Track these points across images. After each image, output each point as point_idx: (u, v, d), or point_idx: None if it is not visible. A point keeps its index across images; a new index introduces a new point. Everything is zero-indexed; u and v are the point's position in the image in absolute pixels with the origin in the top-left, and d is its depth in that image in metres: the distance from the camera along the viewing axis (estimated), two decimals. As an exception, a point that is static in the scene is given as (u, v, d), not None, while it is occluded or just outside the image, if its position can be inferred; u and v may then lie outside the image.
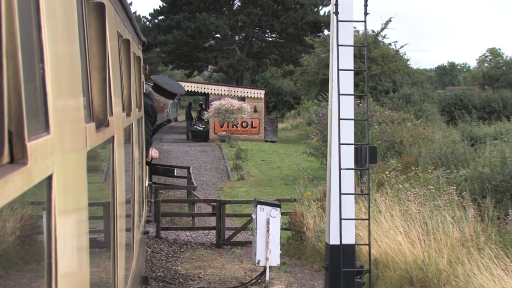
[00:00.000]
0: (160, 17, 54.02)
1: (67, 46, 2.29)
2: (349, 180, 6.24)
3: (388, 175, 16.19)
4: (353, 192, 6.25)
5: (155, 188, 17.66)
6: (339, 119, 5.98)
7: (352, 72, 6.54)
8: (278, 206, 11.58)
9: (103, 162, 3.70)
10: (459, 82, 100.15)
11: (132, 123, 5.64)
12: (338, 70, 6.10)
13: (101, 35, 3.18)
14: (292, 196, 15.18)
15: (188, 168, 22.00)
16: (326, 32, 53.78)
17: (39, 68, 1.81)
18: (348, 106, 6.34)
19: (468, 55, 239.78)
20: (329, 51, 26.82)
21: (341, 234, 6.08)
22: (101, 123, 3.21)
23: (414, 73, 41.93)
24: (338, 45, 6.07)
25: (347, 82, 6.44)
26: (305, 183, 15.45)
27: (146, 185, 8.81)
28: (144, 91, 8.29)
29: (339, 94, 6.10)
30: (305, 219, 14.18)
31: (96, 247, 3.29)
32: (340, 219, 6.05)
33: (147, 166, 8.71)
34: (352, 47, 6.37)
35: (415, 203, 12.48)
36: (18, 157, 1.56)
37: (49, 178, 1.82)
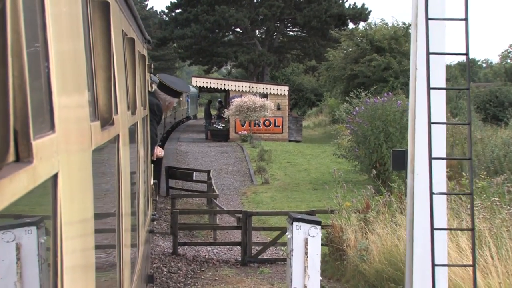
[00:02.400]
0: (178, 10, 52.25)
1: (72, 44, 2.32)
2: (440, 209, 4.45)
3: (436, 182, 14.36)
4: (446, 226, 4.46)
5: (171, 196, 15.98)
6: (430, 123, 4.18)
7: (444, 57, 4.72)
8: (318, 223, 9.81)
9: (108, 161, 3.72)
10: (479, 78, 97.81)
11: (137, 122, 5.67)
12: (428, 54, 4.30)
13: (106, 33, 3.19)
14: (329, 207, 13.41)
15: (208, 172, 20.31)
16: (351, 25, 51.89)
17: (44, 66, 1.83)
18: (439, 106, 4.56)
19: (490, 51, 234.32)
20: (356, 45, 24.96)
21: (434, 285, 4.31)
22: (106, 121, 3.21)
23: (448, 67, 39.86)
24: (428, 19, 4.27)
25: (438, 71, 4.66)
26: (343, 192, 13.64)
27: (151, 183, 8.79)
28: (150, 90, 8.39)
29: (429, 88, 4.30)
30: (345, 234, 12.43)
31: (102, 245, 3.29)
32: (433, 265, 4.28)
33: (152, 165, 8.73)
34: (445, 22, 4.56)
35: (478, 218, 10.68)
36: (23, 156, 1.59)
37: (55, 176, 1.85)
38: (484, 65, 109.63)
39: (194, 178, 21.43)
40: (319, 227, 9.83)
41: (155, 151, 8.15)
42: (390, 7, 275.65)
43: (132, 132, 5.11)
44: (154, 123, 7.84)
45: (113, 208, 3.82)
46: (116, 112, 3.67)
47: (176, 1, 51.73)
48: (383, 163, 18.72)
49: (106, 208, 3.68)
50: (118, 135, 3.83)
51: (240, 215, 13.56)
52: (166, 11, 54.28)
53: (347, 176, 25.04)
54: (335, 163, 27.73)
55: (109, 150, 3.66)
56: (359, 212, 13.15)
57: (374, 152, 18.85)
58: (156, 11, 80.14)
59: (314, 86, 63.71)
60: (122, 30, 4.65)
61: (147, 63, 8.28)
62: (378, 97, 20.32)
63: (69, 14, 2.27)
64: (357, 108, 20.06)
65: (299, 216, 10.12)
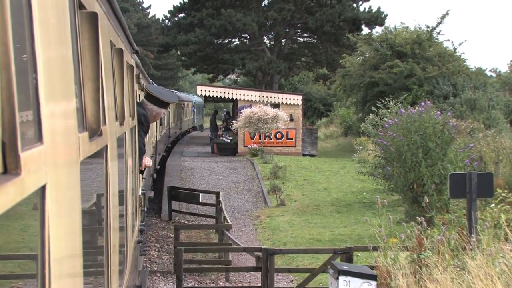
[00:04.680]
0: (181, 15, 49.89)
1: (60, 55, 2.36)
2: None
3: (495, 209, 11.88)
4: None
5: (175, 227, 13.61)
6: None
7: None
8: (373, 277, 7.48)
9: (96, 172, 3.77)
10: (486, 87, 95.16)
11: (125, 132, 5.78)
12: None
13: (94, 44, 3.25)
14: (370, 245, 11.02)
15: (217, 194, 17.96)
16: (365, 30, 49.60)
17: (32, 78, 1.87)
18: None
19: (499, 60, 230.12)
20: (375, 50, 22.21)
21: None
22: (94, 132, 3.28)
23: (477, 74, 37.46)
24: None
25: None
26: (388, 225, 11.20)
27: (140, 194, 8.96)
28: (137, 101, 8.57)
29: None
30: (394, 280, 10.03)
31: (90, 257, 3.35)
32: None
33: (141, 175, 8.88)
34: None
35: None
36: (11, 168, 1.61)
37: (43, 188, 1.88)
38: (489, 74, 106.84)
39: (200, 201, 19.13)
40: (374, 283, 7.52)
41: (143, 161, 8.26)
42: (407, 12, 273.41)
43: (120, 143, 5.17)
44: (141, 134, 7.97)
45: (101, 219, 3.86)
46: (104, 123, 3.72)
47: (179, 5, 49.39)
48: (422, 183, 16.32)
49: (94, 219, 3.73)
50: (107, 146, 3.88)
51: (260, 254, 11.18)
52: (168, 15, 51.95)
53: (372, 197, 22.65)
54: (357, 181, 25.42)
55: (97, 161, 3.68)
56: (407, 250, 10.81)
57: (411, 171, 16.44)
58: (158, 19, 77.86)
59: (322, 96, 62.30)
60: (111, 41, 4.73)
61: (135, 73, 8.52)
62: (412, 106, 17.96)
63: (57, 25, 2.29)
64: (389, 120, 17.64)
65: (346, 267, 7.76)
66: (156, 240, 17.22)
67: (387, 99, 22.45)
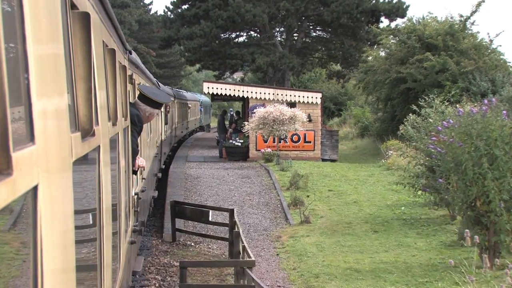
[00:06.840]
0: (185, 6, 46.84)
1: (52, 55, 2.38)
2: None
3: None
4: None
5: (181, 264, 10.59)
6: None
7: None
8: None
9: (89, 172, 3.78)
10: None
11: (118, 132, 5.85)
12: None
13: (86, 44, 3.27)
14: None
15: (231, 212, 14.99)
16: (386, 22, 46.58)
17: (24, 78, 1.86)
18: None
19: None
20: (403, 43, 18.66)
21: None
22: (87, 132, 3.31)
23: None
24: None
25: None
26: (476, 273, 8.16)
27: (133, 194, 8.89)
28: (130, 101, 8.65)
29: None
30: None
31: (82, 257, 3.40)
32: None
33: (134, 175, 8.84)
34: None
35: None
36: (3, 168, 1.61)
37: (35, 188, 1.88)
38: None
39: (210, 219, 16.22)
40: None
41: (137, 161, 8.31)
42: (428, 3, 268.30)
43: (113, 143, 5.22)
44: (134, 134, 8.04)
45: (94, 220, 3.85)
46: (97, 123, 3.75)
47: (183, -5, 46.42)
48: (487, 201, 13.32)
49: (87, 220, 3.71)
50: (99, 146, 3.90)
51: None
52: (171, 7, 48.90)
53: (412, 212, 19.69)
54: (390, 192, 22.46)
55: (90, 162, 3.68)
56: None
57: (473, 184, 13.43)
58: (160, 15, 75.09)
59: (333, 94, 60.00)
60: (103, 41, 4.78)
61: (128, 73, 8.68)
62: (475, 104, 14.97)
63: (49, 25, 2.29)
64: (444, 122, 14.62)
65: None
66: (157, 270, 14.26)
67: (431, 96, 19.39)
